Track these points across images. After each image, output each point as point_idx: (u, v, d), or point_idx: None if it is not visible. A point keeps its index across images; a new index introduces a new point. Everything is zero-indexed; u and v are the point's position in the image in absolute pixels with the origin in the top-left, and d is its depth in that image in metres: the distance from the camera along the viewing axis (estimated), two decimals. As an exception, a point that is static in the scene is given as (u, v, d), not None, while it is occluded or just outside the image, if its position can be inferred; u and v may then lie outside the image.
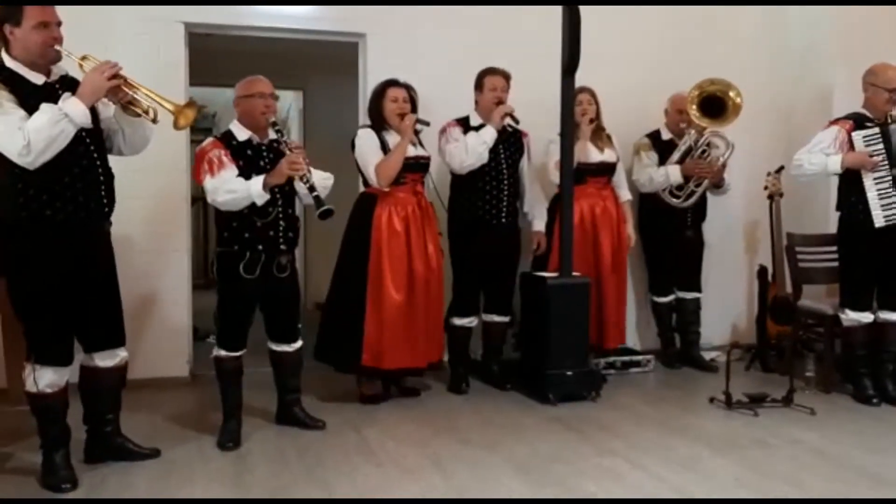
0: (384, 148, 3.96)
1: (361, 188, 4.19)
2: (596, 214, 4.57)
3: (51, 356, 2.88)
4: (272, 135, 3.49)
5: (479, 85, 4.27)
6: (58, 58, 2.85)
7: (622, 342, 4.82)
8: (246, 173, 3.36)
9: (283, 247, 3.45)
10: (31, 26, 2.75)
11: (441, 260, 4.14)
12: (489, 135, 4.14)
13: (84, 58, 2.88)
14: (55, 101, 2.77)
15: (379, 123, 4.03)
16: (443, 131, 4.22)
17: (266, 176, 3.31)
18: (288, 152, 3.37)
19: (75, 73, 2.95)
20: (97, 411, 3.15)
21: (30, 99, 2.75)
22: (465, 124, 4.24)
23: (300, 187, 3.48)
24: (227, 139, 3.44)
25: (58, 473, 2.92)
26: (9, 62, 2.80)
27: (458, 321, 4.32)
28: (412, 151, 4.00)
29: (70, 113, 2.71)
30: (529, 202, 4.42)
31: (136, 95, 2.88)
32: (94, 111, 2.89)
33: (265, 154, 3.45)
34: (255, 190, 3.28)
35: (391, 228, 3.95)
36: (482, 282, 4.36)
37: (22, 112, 2.70)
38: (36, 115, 2.69)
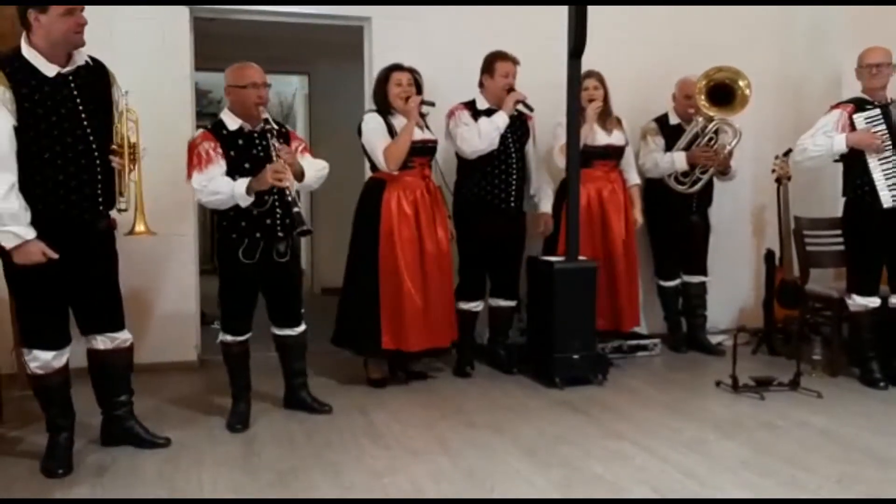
0: (391, 132, 3.95)
1: (368, 173, 4.18)
2: (603, 198, 4.54)
3: (37, 339, 2.90)
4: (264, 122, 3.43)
5: (489, 69, 4.23)
6: (81, 43, 2.84)
7: (637, 324, 4.77)
8: (239, 163, 3.33)
9: (280, 234, 3.43)
10: (58, 13, 2.74)
11: (449, 243, 4.14)
12: (502, 121, 4.14)
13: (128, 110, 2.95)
14: (66, 95, 2.78)
15: (384, 108, 4.02)
16: (451, 114, 4.21)
17: (251, 180, 3.26)
18: (275, 158, 3.29)
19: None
20: (107, 394, 3.17)
21: (35, 92, 2.74)
22: (472, 108, 4.23)
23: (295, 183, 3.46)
24: (217, 129, 3.38)
25: (55, 457, 2.94)
26: (25, 50, 2.78)
27: (464, 305, 4.32)
28: (419, 135, 3.99)
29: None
30: (536, 184, 4.41)
31: None
32: (107, 105, 2.92)
33: (257, 142, 3.39)
34: (238, 193, 3.25)
35: (401, 213, 3.95)
36: (488, 266, 4.37)
37: (9, 121, 2.68)
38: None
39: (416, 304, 3.94)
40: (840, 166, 4.31)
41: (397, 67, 4.02)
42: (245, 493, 2.78)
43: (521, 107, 4.20)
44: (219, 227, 3.46)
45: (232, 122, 3.40)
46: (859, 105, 4.14)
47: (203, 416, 3.60)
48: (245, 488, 2.81)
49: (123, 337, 3.16)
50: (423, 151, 4.03)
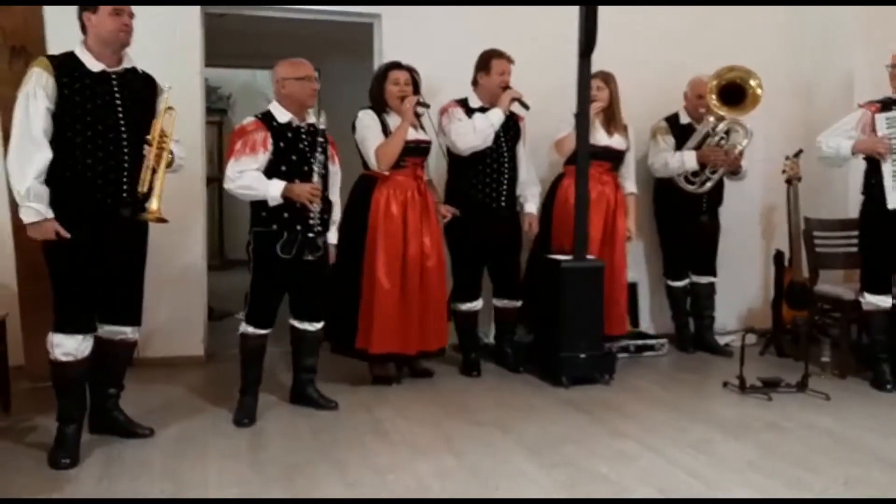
0: (385, 130, 3.94)
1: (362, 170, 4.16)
2: (590, 199, 4.48)
3: (64, 322, 2.97)
4: (311, 118, 3.53)
5: (484, 66, 4.21)
6: (127, 42, 3.02)
7: (621, 332, 4.64)
8: (286, 154, 3.41)
9: (318, 228, 3.47)
10: (107, 13, 2.97)
11: (441, 248, 4.10)
12: (497, 117, 4.12)
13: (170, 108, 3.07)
14: (103, 90, 2.96)
15: (380, 105, 4.01)
16: (444, 111, 4.19)
17: (287, 186, 3.35)
18: (315, 177, 3.41)
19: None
20: (99, 383, 3.21)
21: (76, 82, 2.92)
22: (465, 106, 4.22)
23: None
24: (268, 120, 3.45)
25: (62, 448, 2.97)
26: (77, 50, 2.99)
27: (462, 306, 4.30)
28: (413, 135, 3.97)
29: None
30: (522, 185, 4.38)
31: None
32: (147, 110, 3.06)
33: (304, 136, 3.48)
34: (272, 194, 3.35)
35: (388, 212, 3.92)
36: (488, 267, 4.35)
37: (43, 104, 2.87)
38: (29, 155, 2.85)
39: (387, 306, 3.87)
40: (852, 166, 4.29)
41: (395, 66, 4.02)
42: (250, 487, 2.79)
43: (516, 105, 4.18)
44: (256, 218, 3.47)
45: (282, 115, 3.47)
46: (886, 105, 4.11)
47: (209, 410, 3.61)
48: (250, 482, 2.82)
49: (130, 334, 3.21)
50: (417, 151, 4.01)
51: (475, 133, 4.10)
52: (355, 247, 3.94)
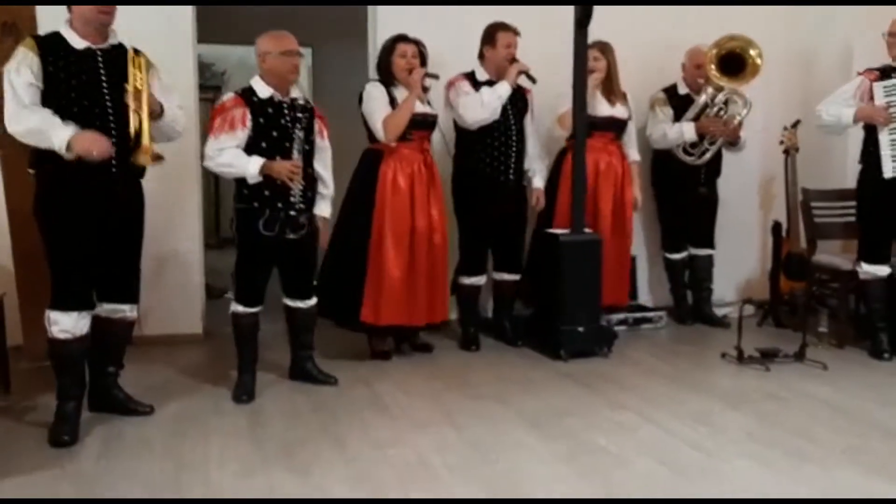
0: (392, 103, 3.91)
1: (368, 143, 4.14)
2: (599, 170, 4.44)
3: (60, 299, 2.97)
4: (296, 93, 3.48)
5: (490, 40, 4.18)
6: (108, 21, 3.01)
7: (623, 302, 4.69)
8: (267, 130, 3.36)
9: (301, 206, 3.45)
10: None
11: (445, 220, 4.11)
12: (504, 90, 4.09)
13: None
14: (88, 67, 2.96)
15: (387, 78, 3.98)
16: (450, 85, 4.16)
17: (266, 163, 3.31)
18: (296, 153, 3.38)
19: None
20: (99, 362, 3.21)
21: (60, 60, 2.93)
22: (472, 79, 4.19)
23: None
24: (247, 95, 3.40)
25: (62, 425, 2.98)
26: (63, 30, 3.00)
27: (466, 280, 4.30)
28: (420, 108, 3.94)
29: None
30: (530, 159, 4.35)
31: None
32: (121, 72, 3.01)
33: (286, 112, 3.43)
34: (251, 171, 3.30)
35: (395, 185, 3.91)
36: (491, 240, 4.35)
37: (28, 79, 2.87)
38: (38, 112, 2.85)
39: (394, 278, 3.88)
40: (849, 137, 4.27)
41: (402, 38, 3.98)
42: (251, 464, 2.79)
43: (523, 78, 4.14)
44: (239, 195, 3.45)
45: (263, 90, 3.41)
46: (885, 73, 4.09)
47: (208, 388, 3.61)
48: (251, 459, 2.83)
49: (129, 312, 3.21)
50: (423, 125, 3.99)
51: (483, 106, 4.07)
52: (362, 220, 3.93)
